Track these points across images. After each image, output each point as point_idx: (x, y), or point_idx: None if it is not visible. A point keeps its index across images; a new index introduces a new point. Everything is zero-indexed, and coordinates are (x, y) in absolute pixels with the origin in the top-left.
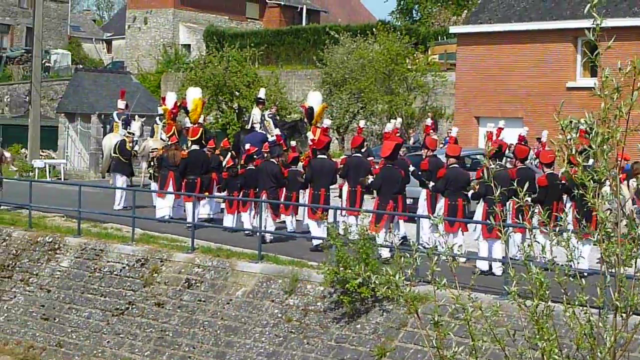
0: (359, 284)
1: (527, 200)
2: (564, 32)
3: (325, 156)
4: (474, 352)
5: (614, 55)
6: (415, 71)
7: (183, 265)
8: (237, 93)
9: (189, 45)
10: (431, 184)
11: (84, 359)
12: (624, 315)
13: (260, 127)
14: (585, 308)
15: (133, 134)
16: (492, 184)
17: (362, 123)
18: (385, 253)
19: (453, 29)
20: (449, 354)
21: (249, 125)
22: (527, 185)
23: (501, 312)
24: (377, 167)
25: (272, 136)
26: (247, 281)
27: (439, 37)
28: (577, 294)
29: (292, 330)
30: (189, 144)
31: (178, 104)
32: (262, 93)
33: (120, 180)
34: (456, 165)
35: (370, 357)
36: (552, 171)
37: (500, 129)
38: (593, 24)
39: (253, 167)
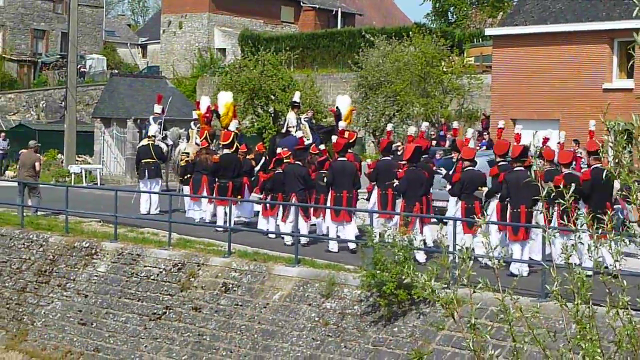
0: (396, 287)
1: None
2: (599, 34)
3: (345, 158)
4: (515, 353)
5: None
6: (450, 74)
7: (220, 269)
8: (272, 97)
9: (224, 49)
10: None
11: None
12: None
13: (296, 131)
14: (627, 310)
15: (154, 137)
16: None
17: (389, 126)
18: (419, 257)
19: (488, 31)
20: (486, 356)
21: (285, 129)
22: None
23: (540, 314)
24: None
25: (307, 140)
26: (283, 285)
27: (475, 40)
28: (619, 294)
29: (329, 334)
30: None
31: (211, 108)
32: (297, 97)
33: (154, 184)
34: (471, 168)
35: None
36: (570, 171)
37: (546, 139)
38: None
39: (280, 171)
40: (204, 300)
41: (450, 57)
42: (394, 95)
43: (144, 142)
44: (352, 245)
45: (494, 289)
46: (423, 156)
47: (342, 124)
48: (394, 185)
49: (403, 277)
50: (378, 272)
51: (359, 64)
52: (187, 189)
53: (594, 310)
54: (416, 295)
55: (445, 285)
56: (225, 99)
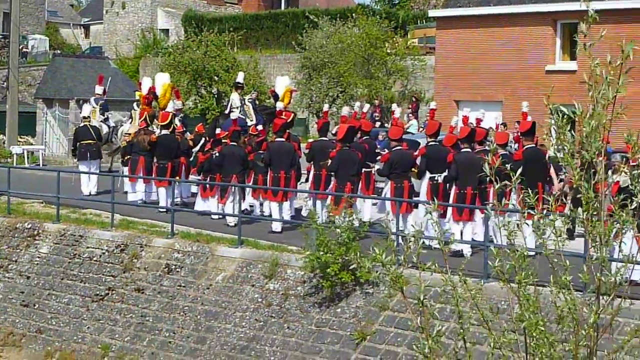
0: (339, 268)
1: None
2: (543, 15)
3: (282, 139)
4: (461, 331)
5: (605, 40)
6: (394, 55)
7: (163, 250)
8: (216, 78)
9: (167, 30)
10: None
11: (64, 345)
12: (606, 296)
13: (240, 112)
14: (568, 289)
15: (87, 118)
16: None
17: (325, 107)
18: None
19: (432, 13)
20: (433, 333)
21: (228, 110)
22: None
23: (483, 294)
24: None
25: (251, 121)
26: (226, 266)
27: (419, 21)
28: (561, 274)
29: (272, 315)
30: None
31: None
32: (240, 77)
33: (93, 165)
34: (400, 147)
35: (351, 340)
36: (505, 152)
37: (479, 120)
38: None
39: (217, 152)
40: (146, 282)
41: (394, 39)
42: (337, 77)
43: (82, 123)
44: (277, 227)
45: (440, 269)
46: (365, 137)
47: (279, 105)
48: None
49: (347, 258)
50: (322, 253)
51: (302, 45)
52: (125, 170)
53: (539, 291)
54: (362, 277)
55: (392, 266)
56: (163, 80)
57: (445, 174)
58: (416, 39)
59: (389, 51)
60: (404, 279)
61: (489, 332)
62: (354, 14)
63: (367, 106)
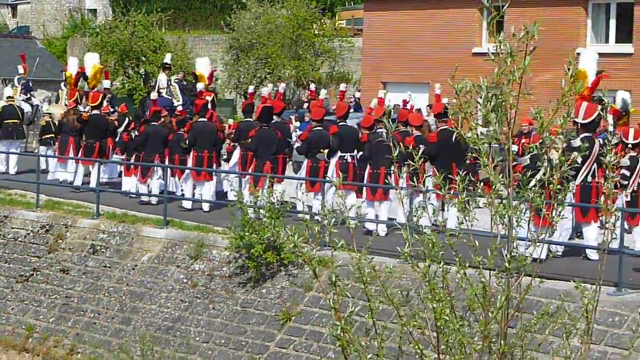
0: (264, 249)
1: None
2: None
3: (205, 119)
4: (370, 311)
5: (522, 21)
6: (322, 37)
7: (88, 231)
8: (143, 58)
9: (95, 10)
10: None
11: None
12: (515, 276)
13: (167, 93)
14: (478, 269)
15: (11, 98)
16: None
17: (251, 88)
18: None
19: None
20: (345, 314)
21: (155, 91)
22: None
23: (403, 275)
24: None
25: (178, 102)
26: (152, 247)
27: (347, 3)
28: (472, 255)
29: (198, 296)
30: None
31: (79, 70)
32: (168, 58)
33: (16, 145)
34: (319, 127)
35: (276, 321)
36: (420, 133)
37: (381, 99)
38: None
39: (138, 133)
40: (71, 262)
41: (322, 20)
42: (265, 58)
43: (6, 102)
44: (206, 207)
45: (349, 248)
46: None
47: (200, 86)
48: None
49: (272, 238)
50: (247, 234)
51: (230, 26)
52: (43, 149)
53: (447, 270)
54: (286, 258)
55: (314, 247)
56: (93, 60)
57: (355, 153)
58: (344, 20)
59: (316, 32)
60: (316, 263)
61: (398, 319)
62: None
63: (282, 85)
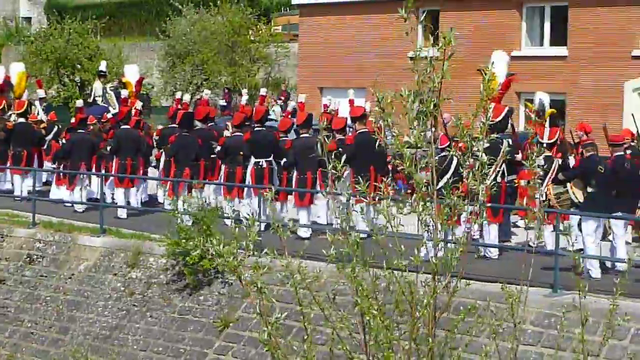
0: (200, 256)
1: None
2: (404, 3)
3: (129, 126)
4: (302, 317)
5: (458, 25)
6: (258, 42)
7: (24, 240)
8: (78, 66)
9: (30, 18)
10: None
11: None
12: (442, 277)
13: (102, 100)
14: (404, 272)
15: None
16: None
17: (178, 94)
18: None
19: (295, 0)
20: (272, 319)
21: (91, 99)
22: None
23: (324, 278)
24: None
25: (114, 109)
26: (89, 255)
27: (282, 8)
28: (397, 258)
29: (135, 304)
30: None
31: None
32: (103, 66)
33: None
34: (239, 134)
35: (214, 328)
36: (342, 137)
37: (302, 104)
38: None
39: (65, 141)
40: (8, 272)
41: (258, 26)
42: (201, 64)
43: None
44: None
45: (278, 254)
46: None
47: (124, 93)
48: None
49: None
50: (183, 241)
51: (166, 32)
52: None
53: (377, 275)
54: (211, 265)
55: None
56: (17, 69)
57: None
58: (280, 26)
59: (252, 39)
60: (241, 269)
61: (325, 321)
62: (217, 2)
63: (207, 92)
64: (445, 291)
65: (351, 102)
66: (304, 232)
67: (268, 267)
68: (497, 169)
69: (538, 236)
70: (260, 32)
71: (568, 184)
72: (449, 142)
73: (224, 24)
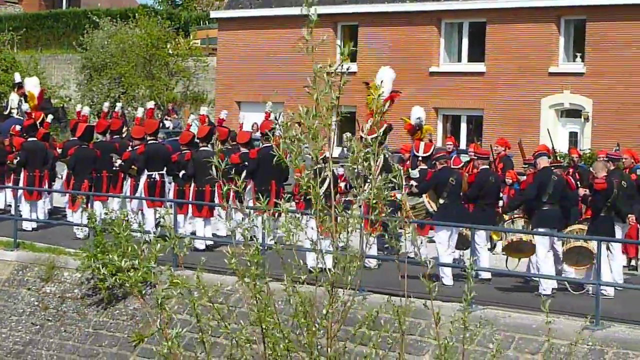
0: (116, 270)
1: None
2: (323, 17)
3: (35, 138)
4: (200, 329)
5: (376, 40)
6: (176, 56)
7: None
8: None
9: None
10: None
11: None
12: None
13: (18, 113)
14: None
15: None
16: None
17: (78, 107)
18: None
19: (214, 14)
20: (173, 333)
21: (7, 111)
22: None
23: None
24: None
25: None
26: (2, 269)
27: (201, 22)
28: (295, 271)
29: (49, 318)
30: None
31: None
32: (18, 77)
33: None
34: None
35: (128, 343)
36: (246, 150)
37: (221, 120)
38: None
39: None
40: None
41: (177, 40)
42: (119, 77)
43: None
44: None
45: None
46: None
47: (25, 107)
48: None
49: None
50: (99, 254)
51: (83, 45)
52: None
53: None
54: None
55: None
56: None
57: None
58: (199, 39)
59: (170, 52)
60: (138, 284)
61: (224, 328)
62: (135, 15)
63: (118, 105)
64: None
65: (267, 115)
66: (199, 244)
67: (181, 280)
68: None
69: (395, 247)
70: (178, 45)
71: (424, 195)
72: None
73: (142, 37)
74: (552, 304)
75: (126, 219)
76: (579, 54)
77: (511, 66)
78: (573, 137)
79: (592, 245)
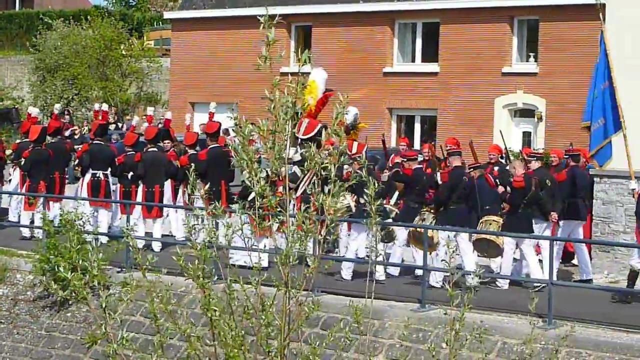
0: (70, 272)
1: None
2: (274, 18)
3: None
4: (157, 329)
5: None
6: (130, 57)
7: None
8: None
9: None
10: None
11: None
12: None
13: None
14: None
15: None
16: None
17: (29, 110)
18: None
19: (167, 15)
20: (119, 337)
21: None
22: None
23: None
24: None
25: None
26: None
27: (155, 23)
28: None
29: (2, 321)
30: None
31: None
32: None
33: None
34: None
35: (82, 345)
36: (195, 152)
37: (150, 117)
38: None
39: None
40: None
41: (130, 41)
42: (72, 79)
43: None
44: None
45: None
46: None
47: None
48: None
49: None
50: (52, 257)
51: (37, 46)
52: None
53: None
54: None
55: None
56: None
57: (107, 171)
58: (152, 40)
59: (124, 53)
60: (86, 292)
61: (177, 328)
62: (88, 16)
63: (57, 106)
64: (297, 304)
65: (211, 115)
66: (155, 246)
67: (136, 282)
68: (309, 181)
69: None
70: (132, 46)
71: (348, 195)
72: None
73: (96, 38)
74: (504, 303)
75: (82, 220)
76: (532, 54)
77: (465, 66)
78: (527, 137)
79: (502, 239)
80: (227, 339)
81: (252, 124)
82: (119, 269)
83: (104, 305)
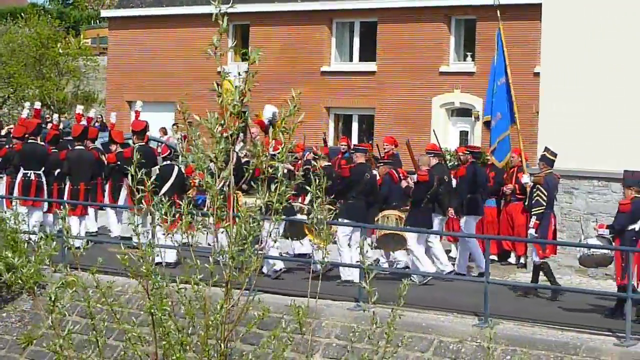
0: (5, 270)
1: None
2: (211, 17)
3: None
4: (94, 328)
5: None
6: (66, 55)
7: None
8: None
9: None
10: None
11: None
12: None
13: None
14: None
15: None
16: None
17: None
18: None
19: (104, 13)
20: (65, 333)
21: None
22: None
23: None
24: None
25: None
26: None
27: (92, 21)
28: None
29: None
30: None
31: None
32: None
33: None
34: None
35: (17, 345)
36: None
37: (79, 115)
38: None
39: None
40: None
41: (67, 39)
42: (8, 77)
43: None
44: None
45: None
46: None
47: None
48: None
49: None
50: None
51: None
52: None
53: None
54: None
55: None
56: None
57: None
58: (89, 39)
59: (61, 51)
60: (33, 282)
61: (117, 323)
62: (24, 14)
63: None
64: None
65: (137, 114)
66: (78, 243)
67: (75, 279)
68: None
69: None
70: (69, 45)
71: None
72: (169, 152)
73: (32, 36)
74: (443, 301)
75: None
76: (469, 54)
77: (402, 65)
78: (464, 136)
79: (404, 233)
80: (171, 339)
81: (199, 117)
82: (54, 270)
83: (52, 298)
